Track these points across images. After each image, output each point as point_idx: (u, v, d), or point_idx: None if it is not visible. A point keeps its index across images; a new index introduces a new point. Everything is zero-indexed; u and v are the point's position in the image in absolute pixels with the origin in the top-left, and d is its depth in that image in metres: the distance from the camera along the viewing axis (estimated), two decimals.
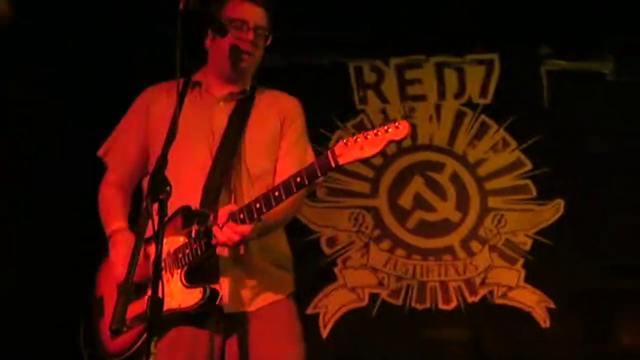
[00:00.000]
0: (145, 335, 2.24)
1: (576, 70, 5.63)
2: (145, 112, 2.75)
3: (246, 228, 2.32)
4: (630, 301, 5.22)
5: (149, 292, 1.95)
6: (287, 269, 2.78)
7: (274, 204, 2.31)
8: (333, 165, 2.24)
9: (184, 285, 2.37)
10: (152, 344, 1.98)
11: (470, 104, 5.72)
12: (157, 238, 1.98)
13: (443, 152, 5.69)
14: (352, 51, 5.66)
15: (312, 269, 5.34)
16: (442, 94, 5.73)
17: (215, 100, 2.72)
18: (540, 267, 5.48)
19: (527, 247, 5.53)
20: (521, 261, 5.52)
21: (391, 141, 2.18)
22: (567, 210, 5.54)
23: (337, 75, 5.69)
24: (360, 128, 5.60)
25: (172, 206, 2.22)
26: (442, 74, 5.74)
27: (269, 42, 2.74)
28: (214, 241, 2.35)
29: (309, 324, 5.29)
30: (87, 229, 3.21)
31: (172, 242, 2.42)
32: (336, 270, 5.46)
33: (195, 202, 2.48)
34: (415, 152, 5.69)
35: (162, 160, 2.13)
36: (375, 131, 2.20)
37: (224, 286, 2.45)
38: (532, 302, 5.45)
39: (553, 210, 5.55)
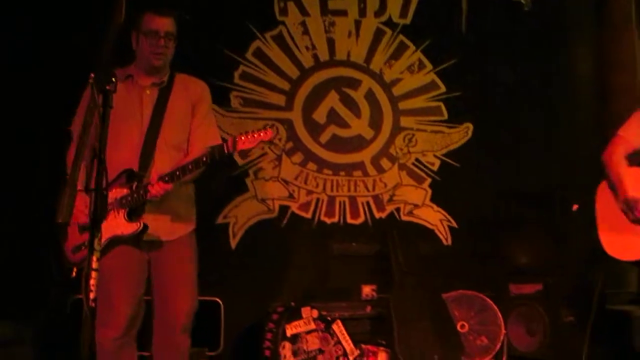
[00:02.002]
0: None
1: None
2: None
3: (169, 186, 3.31)
4: (526, 224, 5.46)
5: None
6: (192, 211, 3.66)
7: (187, 173, 3.32)
8: (226, 152, 3.29)
9: (125, 220, 3.33)
10: (96, 240, 2.06)
11: (389, 23, 5.74)
12: (103, 126, 2.27)
13: (360, 69, 5.71)
14: None
15: (223, 179, 5.29)
16: (362, 11, 5.72)
17: (142, 88, 3.51)
18: (445, 187, 5.68)
19: (435, 167, 5.71)
20: (428, 181, 5.69)
21: (262, 141, 3.35)
22: (475, 135, 5.72)
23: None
24: (279, 39, 5.58)
25: (117, 169, 3.31)
26: None
27: (176, 41, 3.52)
28: (148, 195, 3.29)
29: (219, 233, 5.29)
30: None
31: (119, 192, 3.34)
32: (247, 180, 5.44)
33: (134, 166, 3.40)
34: (332, 67, 5.68)
35: (107, 50, 2.34)
36: (252, 134, 3.31)
37: (150, 222, 3.39)
38: (436, 220, 5.66)
39: (462, 133, 5.72)
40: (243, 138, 3.29)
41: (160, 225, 3.44)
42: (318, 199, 5.56)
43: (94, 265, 1.93)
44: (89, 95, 3.21)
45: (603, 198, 3.85)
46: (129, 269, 3.41)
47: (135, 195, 3.33)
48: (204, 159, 3.31)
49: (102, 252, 2.91)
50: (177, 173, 3.30)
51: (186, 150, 3.56)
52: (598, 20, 5.75)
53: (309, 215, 5.52)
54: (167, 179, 3.29)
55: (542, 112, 5.47)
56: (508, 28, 5.70)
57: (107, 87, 2.23)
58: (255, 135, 3.31)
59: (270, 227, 5.44)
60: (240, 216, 5.40)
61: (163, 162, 3.43)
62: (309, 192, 5.55)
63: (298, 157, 5.56)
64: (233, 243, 5.37)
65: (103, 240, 3.08)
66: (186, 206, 3.62)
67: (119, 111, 3.05)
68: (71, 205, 1.99)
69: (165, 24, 3.46)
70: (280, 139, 5.52)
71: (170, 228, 3.50)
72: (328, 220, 5.54)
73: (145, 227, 3.33)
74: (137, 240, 3.37)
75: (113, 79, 2.28)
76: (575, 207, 4.87)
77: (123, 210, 3.33)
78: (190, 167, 3.30)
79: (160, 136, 3.45)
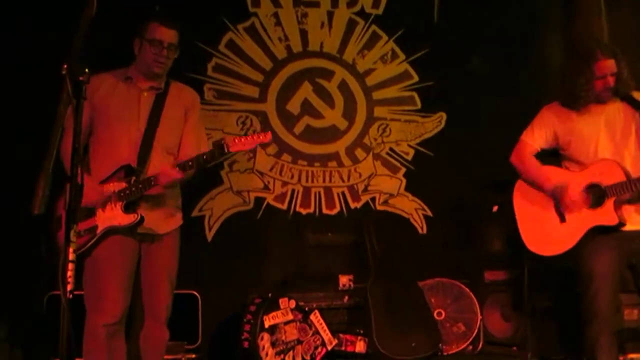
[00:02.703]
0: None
1: None
2: (89, 97, 3.09)
3: (181, 175, 3.49)
4: (499, 211, 5.50)
5: (97, 214, 3.44)
6: (180, 208, 3.86)
7: (200, 165, 3.50)
8: (226, 151, 3.44)
9: (122, 211, 3.47)
10: (72, 231, 2.08)
11: (362, 14, 5.76)
12: (76, 117, 2.31)
13: (333, 60, 5.72)
14: None
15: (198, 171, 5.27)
16: (335, 2, 5.73)
17: (140, 91, 3.65)
18: (420, 176, 5.71)
19: (409, 157, 5.74)
20: (403, 170, 5.72)
21: (261, 143, 3.72)
22: (448, 124, 5.76)
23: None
24: (251, 31, 5.57)
25: (116, 163, 3.48)
26: None
27: (177, 53, 3.69)
28: (157, 181, 3.45)
29: (194, 226, 5.28)
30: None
31: (117, 185, 3.47)
32: (222, 173, 5.45)
33: (133, 162, 3.53)
34: (305, 59, 5.69)
35: (80, 42, 2.41)
36: (252, 136, 3.49)
37: (146, 215, 3.53)
38: (411, 209, 5.70)
39: (435, 123, 5.76)
40: (243, 140, 3.45)
41: (155, 219, 3.59)
42: (293, 190, 5.57)
43: (71, 257, 1.92)
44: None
45: (519, 196, 4.04)
46: (123, 258, 3.54)
47: (133, 189, 3.46)
48: (204, 157, 3.46)
49: (97, 241, 3.43)
50: (190, 163, 3.48)
51: (176, 154, 3.72)
52: (568, 10, 5.80)
53: (284, 207, 5.54)
54: (186, 165, 3.46)
55: (515, 101, 5.48)
56: (480, 17, 5.73)
57: (80, 78, 2.25)
58: (255, 138, 3.49)
59: (246, 219, 5.45)
60: (216, 209, 5.41)
61: (157, 162, 3.58)
62: (284, 184, 5.57)
63: (272, 149, 5.57)
64: (209, 236, 5.38)
65: (100, 229, 3.43)
66: (177, 202, 3.81)
67: (118, 109, 3.57)
68: (45, 197, 1.98)
69: (169, 35, 3.61)
70: (254, 131, 5.51)
71: (165, 222, 3.67)
72: (304, 211, 5.56)
73: (142, 219, 3.46)
74: (131, 231, 3.51)
75: (86, 70, 2.32)
76: (495, 208, 5.01)
77: (120, 203, 3.46)
78: (204, 157, 3.45)
79: (155, 138, 3.60)
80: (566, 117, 3.87)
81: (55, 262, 3.13)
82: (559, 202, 3.81)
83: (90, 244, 3.46)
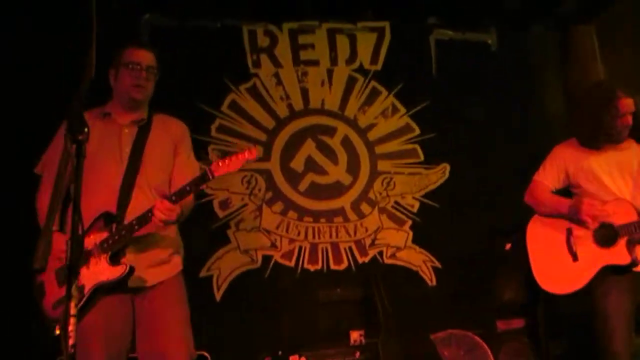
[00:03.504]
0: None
1: (462, 40, 5.89)
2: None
3: (176, 208, 3.16)
4: (506, 261, 5.48)
5: (81, 272, 3.02)
6: (178, 253, 3.52)
7: (185, 194, 3.20)
8: (210, 178, 3.17)
9: (109, 264, 3.15)
10: (73, 287, 2.05)
11: (361, 70, 5.86)
12: (76, 175, 2.23)
13: (334, 117, 5.79)
14: (246, 15, 5.64)
15: (205, 231, 5.31)
16: (334, 60, 5.84)
17: (120, 127, 3.40)
18: (426, 228, 5.71)
19: (415, 209, 5.74)
20: (409, 223, 5.72)
21: (248, 160, 3.20)
22: (452, 174, 5.79)
23: (231, 38, 5.67)
24: (253, 92, 5.65)
25: (95, 211, 3.15)
26: (334, 40, 5.86)
27: (157, 78, 3.47)
28: (153, 219, 3.13)
29: (203, 286, 5.27)
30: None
31: (98, 236, 3.18)
32: (229, 232, 5.46)
33: (112, 206, 3.24)
34: (307, 116, 5.76)
35: (79, 102, 2.30)
36: (236, 155, 3.18)
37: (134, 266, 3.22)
38: (419, 261, 5.68)
39: (439, 174, 5.78)
40: (227, 162, 3.18)
41: (143, 269, 3.25)
42: (300, 247, 5.56)
43: (72, 311, 1.93)
44: (58, 141, 3.31)
45: (533, 236, 4.05)
46: (112, 325, 3.18)
47: (116, 237, 3.16)
48: (187, 188, 3.18)
49: (86, 302, 3.09)
50: (174, 198, 3.17)
51: (167, 193, 3.37)
52: (564, 56, 5.89)
53: (292, 264, 5.52)
54: (173, 198, 3.15)
55: (516, 147, 5.54)
56: (477, 68, 5.82)
57: (80, 137, 2.22)
58: (240, 157, 3.19)
59: (254, 278, 5.43)
60: (224, 268, 5.39)
61: (141, 201, 3.25)
62: (291, 241, 5.56)
63: (278, 207, 5.59)
64: (218, 295, 5.35)
65: (87, 289, 3.10)
66: (170, 249, 3.44)
67: (96, 150, 3.17)
68: (47, 252, 1.99)
69: (147, 57, 3.40)
70: (259, 190, 5.56)
71: (155, 270, 3.32)
72: (312, 268, 5.54)
73: (131, 269, 3.14)
74: (120, 286, 3.17)
75: (85, 129, 2.26)
76: (508, 246, 5.00)
77: (105, 255, 3.16)
78: (187, 188, 3.17)
79: (139, 175, 3.32)
80: (578, 156, 3.91)
81: (45, 332, 3.07)
82: (578, 216, 3.80)
83: (79, 305, 3.06)
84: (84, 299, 3.09)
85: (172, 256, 3.44)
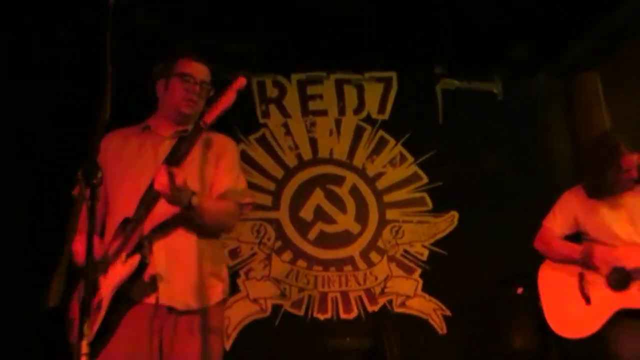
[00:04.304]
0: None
1: (468, 89, 5.97)
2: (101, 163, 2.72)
3: (177, 179, 2.68)
4: (517, 307, 5.45)
5: (100, 285, 2.76)
6: (223, 281, 3.07)
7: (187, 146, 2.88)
8: (203, 127, 2.86)
9: (122, 262, 2.79)
10: (85, 325, 2.04)
11: (369, 120, 5.93)
12: (91, 220, 2.15)
13: (343, 166, 5.84)
14: (255, 66, 5.73)
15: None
16: (342, 110, 5.92)
17: (162, 139, 3.07)
18: (436, 276, 5.69)
19: (424, 257, 5.73)
20: (418, 271, 5.71)
21: (239, 90, 2.94)
22: (461, 222, 5.80)
23: (240, 89, 5.73)
24: (262, 142, 5.72)
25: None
26: (342, 90, 5.95)
27: (211, 93, 3.14)
28: (155, 188, 2.72)
29: None
30: None
31: (115, 244, 2.88)
32: (239, 281, 5.46)
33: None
34: (316, 166, 5.82)
35: (96, 142, 2.25)
36: (224, 93, 2.91)
37: (162, 286, 2.81)
38: (429, 309, 5.64)
39: (448, 222, 5.79)
40: (217, 104, 2.89)
41: (174, 290, 2.83)
42: (310, 296, 5.55)
43: (84, 349, 1.94)
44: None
45: (544, 280, 4.06)
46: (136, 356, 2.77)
47: (129, 234, 2.84)
48: (186, 143, 2.88)
49: (106, 324, 2.72)
50: (181, 150, 2.87)
51: None
52: (568, 103, 5.95)
53: (301, 313, 5.50)
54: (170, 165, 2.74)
55: (524, 193, 5.57)
56: (484, 117, 5.88)
57: (94, 182, 2.19)
58: (229, 93, 2.92)
59: (263, 327, 5.41)
60: (233, 317, 5.37)
61: (167, 208, 2.83)
62: (301, 290, 5.56)
63: (287, 255, 5.60)
64: (227, 345, 5.32)
65: (106, 301, 2.74)
66: (217, 265, 3.03)
67: (130, 163, 2.98)
68: (60, 290, 2.00)
69: (202, 71, 3.13)
70: (269, 239, 5.58)
71: (192, 292, 2.88)
72: (321, 317, 5.51)
73: (144, 261, 2.75)
74: (145, 291, 2.80)
75: (99, 175, 2.22)
76: (520, 290, 4.98)
77: (122, 254, 2.82)
78: (181, 148, 2.86)
79: None
80: (588, 203, 3.95)
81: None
82: (590, 262, 3.80)
83: (100, 321, 2.74)
84: (103, 314, 2.73)
85: (215, 280, 3.01)
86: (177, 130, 3.10)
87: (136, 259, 2.72)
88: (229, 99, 2.89)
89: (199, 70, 3.12)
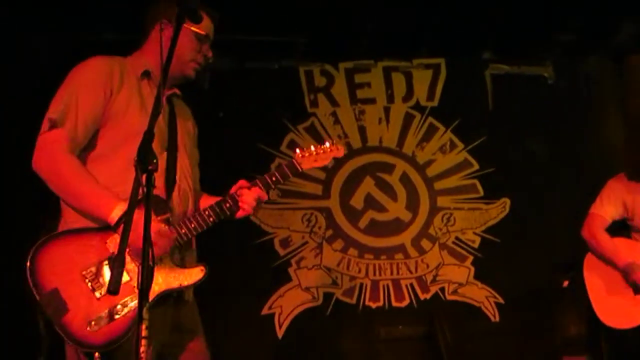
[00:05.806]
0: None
1: (518, 74, 5.89)
2: (107, 89, 2.75)
3: (264, 196, 2.90)
4: (571, 295, 5.38)
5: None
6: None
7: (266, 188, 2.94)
8: (299, 170, 2.97)
9: (177, 266, 2.74)
10: (144, 309, 2.03)
11: (418, 107, 5.89)
12: (147, 206, 2.14)
13: (393, 154, 5.82)
14: (302, 55, 5.75)
15: (266, 269, 5.37)
16: (390, 97, 5.89)
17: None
18: (488, 263, 5.64)
19: (476, 244, 5.69)
20: (470, 258, 5.67)
21: (335, 157, 3.03)
22: (513, 209, 5.73)
23: (289, 79, 5.78)
24: (311, 131, 5.72)
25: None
26: (390, 78, 5.91)
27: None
28: (238, 214, 2.86)
29: (265, 324, 5.30)
30: None
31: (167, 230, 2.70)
32: (290, 270, 5.49)
33: (160, 184, 2.72)
34: (365, 154, 5.81)
35: (149, 134, 2.21)
36: (324, 150, 3.00)
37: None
38: (482, 297, 5.60)
39: (499, 209, 5.74)
40: (313, 155, 2.99)
41: (178, 271, 2.76)
42: (361, 284, 5.56)
43: (144, 333, 1.96)
44: None
45: (589, 271, 4.08)
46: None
47: (183, 235, 2.76)
48: (273, 178, 2.94)
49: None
50: (273, 179, 2.93)
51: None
52: (623, 87, 5.83)
53: (353, 301, 5.51)
54: (266, 183, 2.88)
55: (576, 180, 5.49)
56: (534, 101, 5.80)
57: (150, 168, 2.14)
58: (328, 153, 3.01)
59: (315, 315, 5.44)
60: (285, 306, 5.42)
61: (184, 188, 2.86)
62: (352, 278, 5.56)
63: (339, 244, 5.61)
64: (280, 333, 5.36)
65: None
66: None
67: (139, 111, 2.73)
68: (120, 276, 2.01)
69: (212, 29, 2.93)
70: (320, 228, 5.60)
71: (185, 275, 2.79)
72: (373, 305, 5.51)
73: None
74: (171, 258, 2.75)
75: (155, 160, 2.15)
76: (565, 283, 4.91)
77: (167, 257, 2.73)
78: (273, 178, 2.92)
79: (179, 156, 2.88)
80: (633, 188, 3.90)
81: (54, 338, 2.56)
82: (630, 278, 3.79)
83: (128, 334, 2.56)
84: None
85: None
86: (173, 92, 2.95)
87: (203, 273, 2.74)
88: (324, 159, 3.00)
89: (211, 30, 2.91)
